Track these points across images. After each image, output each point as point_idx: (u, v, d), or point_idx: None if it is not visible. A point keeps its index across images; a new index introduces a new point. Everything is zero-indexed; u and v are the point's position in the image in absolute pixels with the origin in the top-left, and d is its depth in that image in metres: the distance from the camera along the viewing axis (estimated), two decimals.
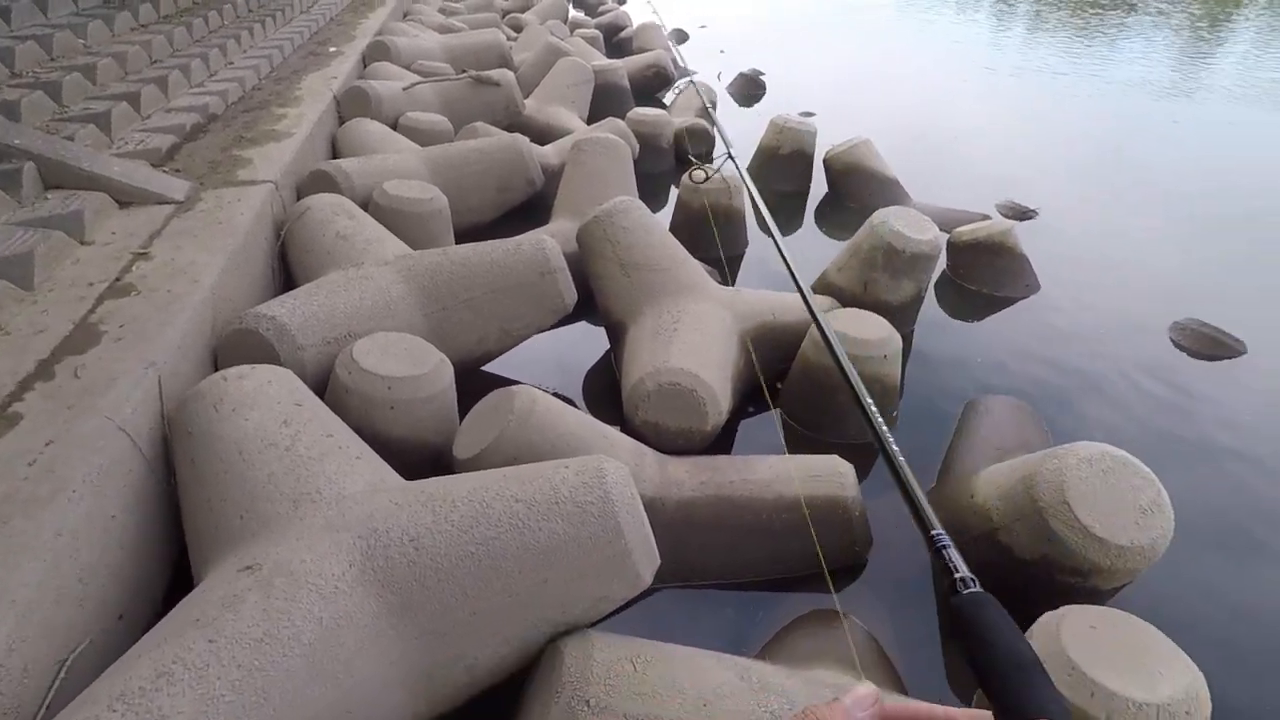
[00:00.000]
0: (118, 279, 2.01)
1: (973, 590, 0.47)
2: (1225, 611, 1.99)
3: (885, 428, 0.67)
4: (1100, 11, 13.23)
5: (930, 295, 3.37)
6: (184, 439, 1.56)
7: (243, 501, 1.41)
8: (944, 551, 0.51)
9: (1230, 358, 3.16)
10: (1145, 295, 3.65)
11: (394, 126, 3.90)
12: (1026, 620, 1.52)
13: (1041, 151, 5.99)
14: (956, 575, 0.49)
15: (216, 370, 1.90)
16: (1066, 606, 1.49)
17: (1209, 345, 3.22)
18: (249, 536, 1.35)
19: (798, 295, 2.84)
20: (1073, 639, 1.40)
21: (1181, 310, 3.41)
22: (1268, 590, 2.07)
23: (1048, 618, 1.48)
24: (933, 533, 0.53)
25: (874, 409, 0.67)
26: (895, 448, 0.68)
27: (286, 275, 2.63)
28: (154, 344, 1.74)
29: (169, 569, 1.62)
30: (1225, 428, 2.72)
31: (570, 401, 2.54)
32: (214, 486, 1.45)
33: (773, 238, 0.63)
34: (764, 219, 4.10)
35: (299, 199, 2.77)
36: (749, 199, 3.03)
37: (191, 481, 1.51)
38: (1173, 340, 3.28)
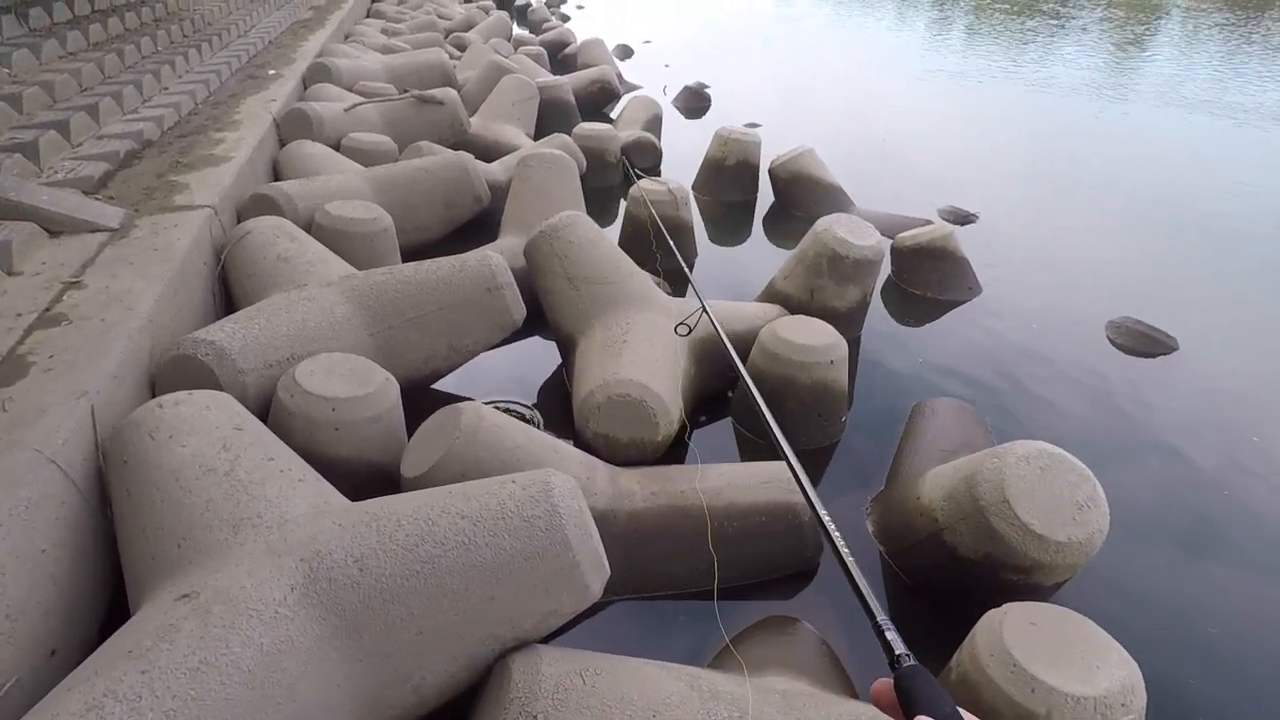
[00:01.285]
0: (47, 309, 1.95)
1: (909, 664, 0.59)
2: (1160, 604, 2.06)
3: (825, 515, 0.84)
4: (1033, 16, 13.75)
5: (876, 300, 3.45)
6: (119, 468, 1.52)
7: (180, 529, 1.38)
8: (884, 634, 0.64)
9: (1164, 354, 3.29)
10: (1082, 295, 3.79)
11: (336, 148, 3.86)
12: (972, 619, 1.56)
13: (980, 156, 6.19)
14: (896, 653, 0.61)
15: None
16: (1009, 604, 1.53)
17: (1143, 343, 3.35)
18: (186, 564, 1.32)
19: (746, 304, 2.90)
20: (1014, 636, 1.43)
21: (1117, 309, 3.55)
22: (1201, 582, 2.15)
23: (991, 615, 1.51)
24: (877, 619, 0.67)
25: (828, 521, 0.86)
26: (838, 535, 0.81)
27: (228, 301, 2.58)
28: (86, 373, 1.69)
29: (105, 603, 1.57)
30: (1159, 423, 2.83)
31: (521, 416, 2.53)
32: (150, 515, 1.42)
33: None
34: (711, 229, 4.13)
35: (239, 223, 2.73)
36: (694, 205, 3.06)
37: (127, 511, 1.47)
38: (1109, 338, 3.40)
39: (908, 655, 0.61)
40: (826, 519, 0.91)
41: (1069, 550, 1.72)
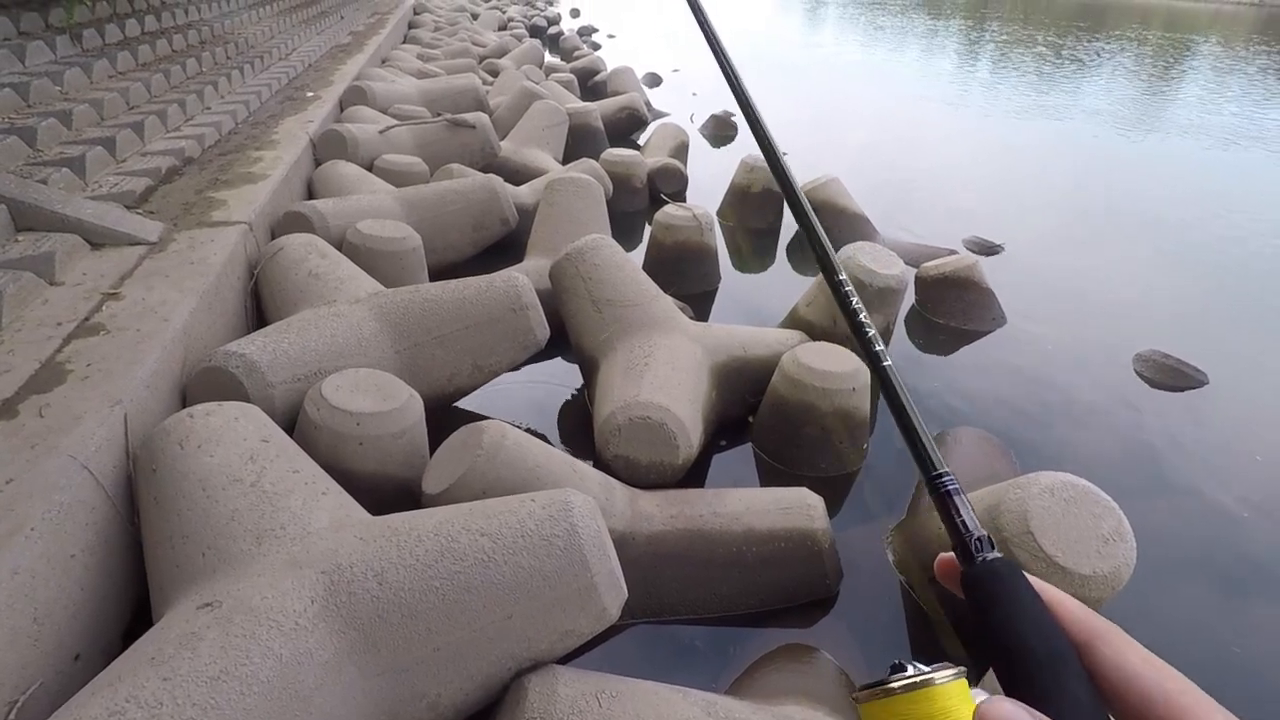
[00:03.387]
0: (86, 319, 2.01)
1: (990, 557, 0.37)
2: (1188, 641, 2.01)
3: (880, 345, 0.43)
4: (1060, 49, 13.73)
5: (900, 329, 3.43)
6: (148, 476, 1.55)
7: (205, 538, 1.40)
8: (951, 499, 0.40)
9: (1193, 388, 3.24)
10: (1109, 327, 3.75)
11: (370, 169, 3.95)
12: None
13: (1007, 187, 6.17)
14: (971, 535, 0.38)
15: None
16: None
17: (1171, 376, 3.29)
18: (210, 573, 1.34)
19: (769, 330, 2.90)
20: None
21: (1144, 342, 3.50)
22: (1230, 619, 2.10)
23: None
24: (934, 475, 0.42)
25: (864, 318, 0.46)
26: (889, 363, 0.52)
27: (260, 315, 2.63)
28: (121, 382, 1.73)
29: (130, 609, 1.60)
30: (1186, 458, 2.78)
31: (543, 437, 2.54)
32: (176, 524, 1.44)
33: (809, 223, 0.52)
34: (736, 256, 4.15)
35: (273, 240, 2.79)
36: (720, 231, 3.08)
37: (154, 519, 1.49)
38: (1136, 371, 3.35)
39: (988, 540, 0.40)
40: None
41: (1094, 584, 1.68)
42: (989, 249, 4.63)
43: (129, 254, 2.39)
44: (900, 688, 0.38)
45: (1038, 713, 0.32)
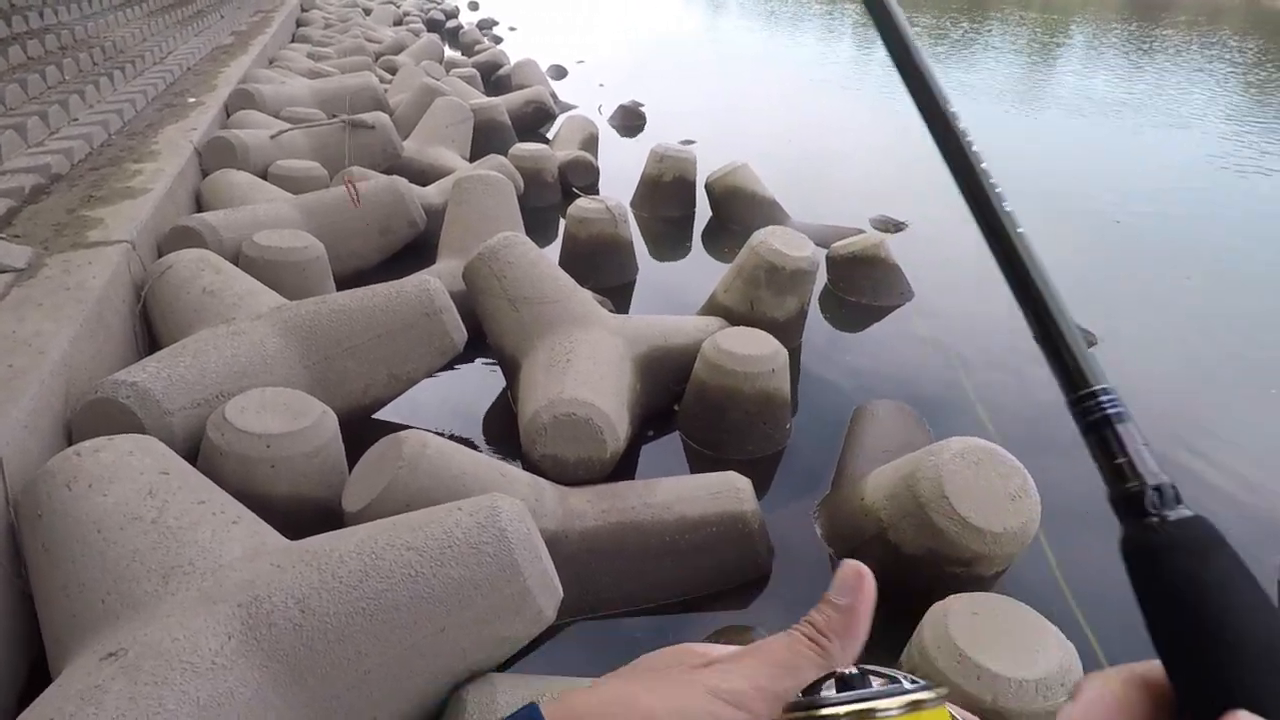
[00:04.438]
0: None
1: (1180, 515, 0.27)
2: (1092, 587, 2.14)
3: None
4: (956, 28, 14.34)
5: (814, 309, 3.51)
6: (33, 524, 1.43)
7: (104, 583, 1.30)
8: (1111, 426, 0.27)
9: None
10: (1007, 296, 3.93)
11: (264, 176, 3.76)
12: (920, 614, 1.59)
13: (907, 166, 6.39)
14: (1149, 485, 0.27)
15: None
16: (951, 596, 1.57)
17: None
18: (112, 620, 1.25)
19: (689, 318, 2.92)
20: (958, 628, 1.48)
21: None
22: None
23: (935, 609, 1.55)
24: (1080, 394, 0.30)
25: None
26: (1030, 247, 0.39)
27: (151, 340, 2.47)
28: None
29: (24, 669, 1.48)
30: None
31: (469, 443, 2.48)
32: (70, 571, 1.34)
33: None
34: (652, 246, 4.16)
35: (160, 257, 2.62)
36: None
37: (45, 568, 1.38)
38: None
39: (1170, 487, 0.29)
40: None
41: (1005, 540, 1.77)
42: (894, 226, 4.79)
43: None
44: (845, 715, 0.31)
45: None
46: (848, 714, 0.31)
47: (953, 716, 0.32)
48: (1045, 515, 1.83)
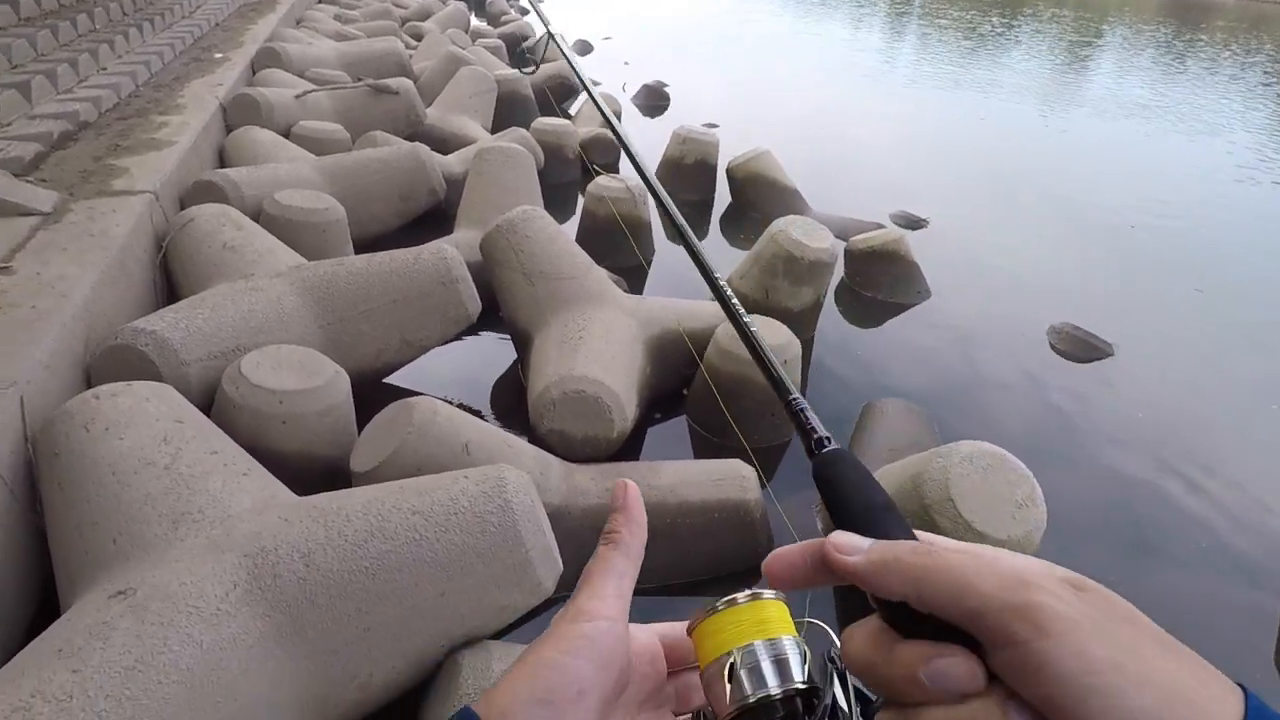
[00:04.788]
0: None
1: (830, 448, 0.46)
2: None
3: (732, 295, 0.53)
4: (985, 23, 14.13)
5: (830, 302, 3.50)
6: (50, 462, 1.45)
7: (116, 524, 1.33)
8: (801, 414, 0.49)
9: (1100, 359, 3.42)
10: (1026, 300, 3.91)
11: (286, 135, 3.76)
12: None
13: (933, 162, 6.34)
14: (814, 435, 0.47)
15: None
16: None
17: (1081, 348, 3.47)
18: (123, 561, 1.28)
19: (703, 303, 2.92)
20: None
21: (1057, 315, 3.67)
22: (1132, 579, 2.24)
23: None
24: (790, 398, 0.51)
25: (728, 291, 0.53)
26: (742, 309, 0.63)
27: (170, 291, 2.49)
28: (16, 363, 1.62)
29: (34, 601, 1.51)
30: (1094, 426, 2.95)
31: (476, 412, 2.50)
32: (84, 510, 1.36)
33: (687, 242, 0.57)
34: (668, 227, 4.15)
35: (182, 210, 2.64)
36: (656, 205, 3.06)
37: (59, 506, 1.41)
38: (1050, 343, 3.52)
39: (828, 438, 0.47)
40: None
41: (1008, 548, 1.76)
42: (915, 223, 4.76)
43: (19, 225, 2.22)
44: (723, 604, 0.44)
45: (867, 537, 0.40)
46: (723, 603, 0.44)
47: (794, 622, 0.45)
48: (1047, 526, 1.83)
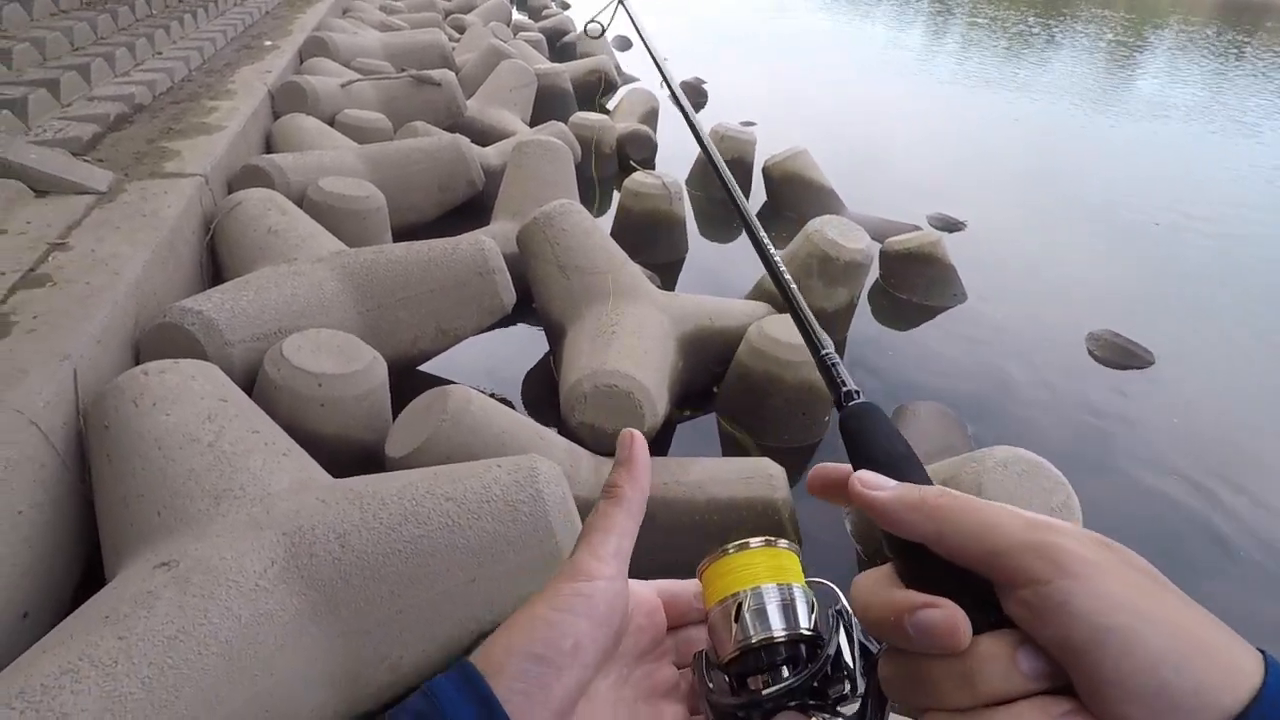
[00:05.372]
0: (32, 269, 1.93)
1: (858, 401, 0.47)
2: None
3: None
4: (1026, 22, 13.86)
5: (863, 303, 3.48)
6: (100, 434, 1.50)
7: (161, 498, 1.37)
8: (834, 368, 0.50)
9: (1140, 368, 3.35)
10: (1063, 305, 3.84)
11: (331, 123, 3.83)
12: None
13: (971, 164, 6.24)
14: (844, 389, 0.48)
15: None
16: None
17: (1120, 355, 3.40)
18: (166, 533, 1.32)
19: (736, 301, 2.91)
20: None
21: (1096, 321, 3.60)
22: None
23: None
24: (823, 352, 0.52)
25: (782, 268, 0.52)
26: (778, 257, 0.56)
27: (216, 271, 2.55)
28: (70, 337, 1.67)
29: (80, 568, 1.56)
30: (1133, 434, 2.88)
31: (507, 403, 2.53)
32: (131, 483, 1.41)
33: (746, 220, 0.56)
34: (704, 226, 4.14)
35: (230, 194, 2.70)
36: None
37: (107, 477, 1.46)
38: (1089, 350, 3.45)
39: (857, 391, 0.49)
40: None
41: None
42: (952, 225, 4.69)
43: (76, 203, 2.29)
44: (735, 547, 0.44)
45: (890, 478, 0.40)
46: (735, 546, 0.44)
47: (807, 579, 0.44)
48: None
